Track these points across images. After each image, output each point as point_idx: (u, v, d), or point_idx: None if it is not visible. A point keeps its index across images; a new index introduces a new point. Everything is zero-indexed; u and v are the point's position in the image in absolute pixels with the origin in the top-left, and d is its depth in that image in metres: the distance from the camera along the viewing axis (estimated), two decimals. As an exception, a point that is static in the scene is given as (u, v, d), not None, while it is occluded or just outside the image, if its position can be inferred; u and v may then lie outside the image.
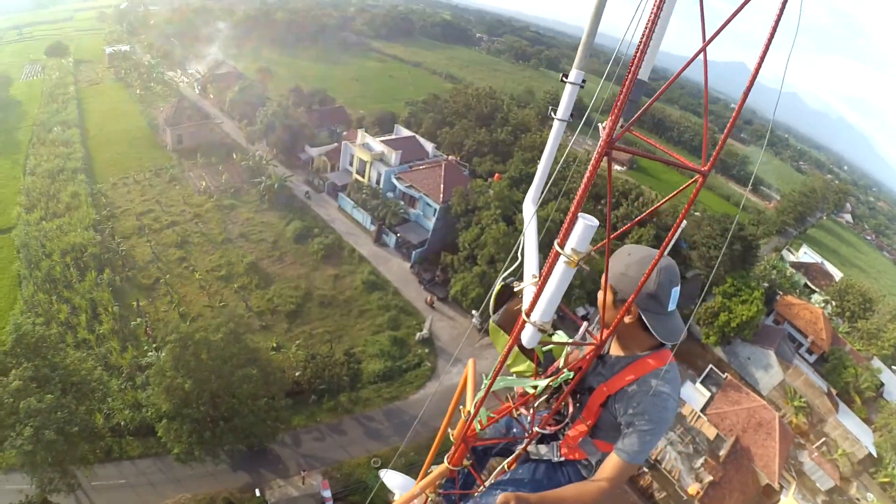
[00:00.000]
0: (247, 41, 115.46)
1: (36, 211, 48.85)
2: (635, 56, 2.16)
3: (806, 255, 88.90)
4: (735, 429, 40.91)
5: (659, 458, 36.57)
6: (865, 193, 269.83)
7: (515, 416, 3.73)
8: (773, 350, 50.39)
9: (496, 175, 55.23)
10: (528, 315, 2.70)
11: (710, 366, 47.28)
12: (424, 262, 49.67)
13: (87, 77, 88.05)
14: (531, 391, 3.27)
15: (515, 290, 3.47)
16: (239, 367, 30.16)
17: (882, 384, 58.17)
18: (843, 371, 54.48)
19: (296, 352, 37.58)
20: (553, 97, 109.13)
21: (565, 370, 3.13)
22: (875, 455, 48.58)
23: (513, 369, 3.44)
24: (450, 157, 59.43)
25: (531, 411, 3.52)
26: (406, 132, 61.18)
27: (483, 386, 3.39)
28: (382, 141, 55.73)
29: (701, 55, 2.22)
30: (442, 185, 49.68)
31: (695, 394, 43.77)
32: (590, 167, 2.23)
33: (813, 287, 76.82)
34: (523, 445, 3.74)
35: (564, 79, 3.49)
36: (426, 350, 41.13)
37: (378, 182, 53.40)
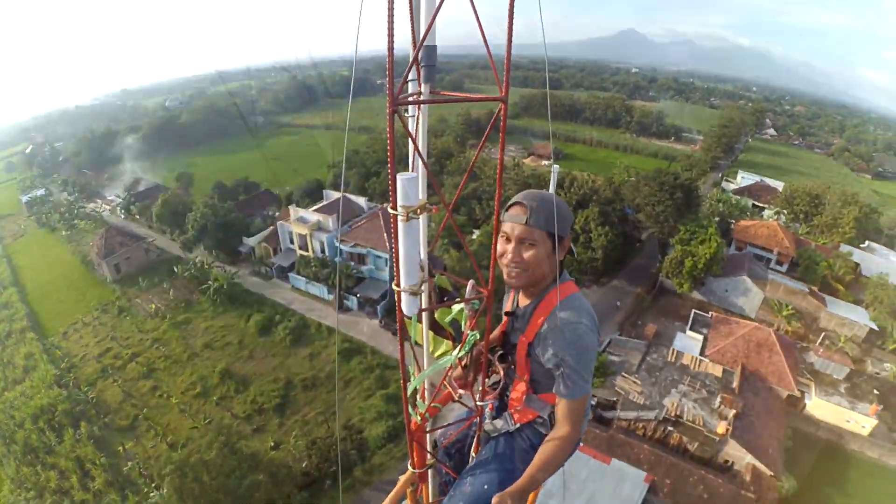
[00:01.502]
0: (158, 152, 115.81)
1: (-6, 384, 46.88)
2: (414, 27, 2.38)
3: (744, 178, 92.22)
4: (738, 358, 41.38)
5: (678, 413, 36.54)
6: (780, 105, 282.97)
7: (457, 399, 3.52)
8: (745, 274, 51.56)
9: (433, 207, 55.67)
10: (398, 284, 2.80)
11: (693, 311, 47.94)
12: (391, 313, 49.17)
13: (9, 232, 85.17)
14: (452, 364, 3.21)
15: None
16: (243, 478, 29.18)
17: (857, 264, 60.12)
18: (816, 267, 56.03)
19: (295, 443, 36.36)
20: (465, 118, 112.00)
21: (469, 332, 3.07)
22: (876, 328, 50.02)
23: (436, 355, 3.37)
24: (384, 205, 59.78)
25: (474, 390, 3.44)
26: (335, 194, 61.33)
27: (413, 381, 3.33)
28: (315, 210, 55.74)
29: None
30: (385, 234, 49.74)
31: (689, 342, 44.25)
32: (388, 128, 2.38)
33: (761, 204, 79.63)
34: (476, 426, 3.61)
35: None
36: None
37: (323, 251, 53.15)
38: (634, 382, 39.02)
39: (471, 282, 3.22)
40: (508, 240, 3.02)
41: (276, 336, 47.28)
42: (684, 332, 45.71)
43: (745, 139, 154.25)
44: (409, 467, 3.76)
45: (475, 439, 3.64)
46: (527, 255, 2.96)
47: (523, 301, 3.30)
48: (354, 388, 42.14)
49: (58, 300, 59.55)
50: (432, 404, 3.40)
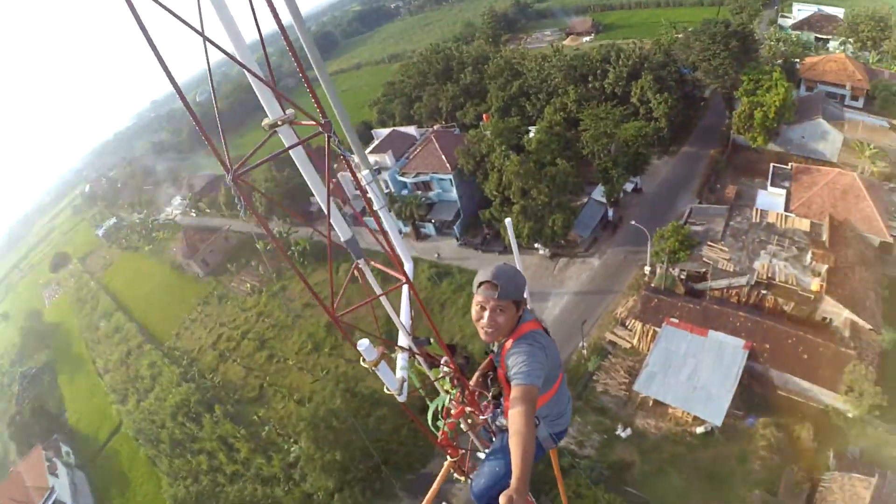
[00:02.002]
0: (205, 145, 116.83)
1: (129, 398, 52.10)
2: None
3: (801, 10, 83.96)
4: (825, 209, 39.87)
5: (770, 275, 36.33)
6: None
7: (469, 412, 5.25)
8: (821, 116, 48.93)
9: (484, 116, 55.17)
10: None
11: (772, 164, 46.17)
12: (468, 229, 50.60)
13: (98, 265, 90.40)
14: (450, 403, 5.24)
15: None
16: (368, 416, 31.92)
17: None
18: (894, 98, 52.21)
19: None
20: (491, 16, 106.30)
21: (450, 392, 5.18)
22: None
23: (431, 349, 5.42)
24: (435, 127, 59.68)
25: (476, 406, 5.01)
26: (385, 131, 61.50)
27: (429, 413, 5.63)
28: (369, 152, 56.43)
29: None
30: (442, 155, 50.17)
31: (771, 198, 43.01)
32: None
33: (824, 36, 73.08)
34: (488, 427, 5.34)
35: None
36: (516, 301, 42.43)
37: (388, 188, 54.40)
38: (721, 250, 38.88)
39: (443, 360, 5.15)
40: (483, 308, 3.86)
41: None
42: (765, 188, 44.24)
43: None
44: (448, 458, 5.88)
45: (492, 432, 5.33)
46: (500, 319, 3.84)
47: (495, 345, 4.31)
48: (450, 307, 44.44)
49: (161, 308, 64.45)
50: (449, 421, 5.27)
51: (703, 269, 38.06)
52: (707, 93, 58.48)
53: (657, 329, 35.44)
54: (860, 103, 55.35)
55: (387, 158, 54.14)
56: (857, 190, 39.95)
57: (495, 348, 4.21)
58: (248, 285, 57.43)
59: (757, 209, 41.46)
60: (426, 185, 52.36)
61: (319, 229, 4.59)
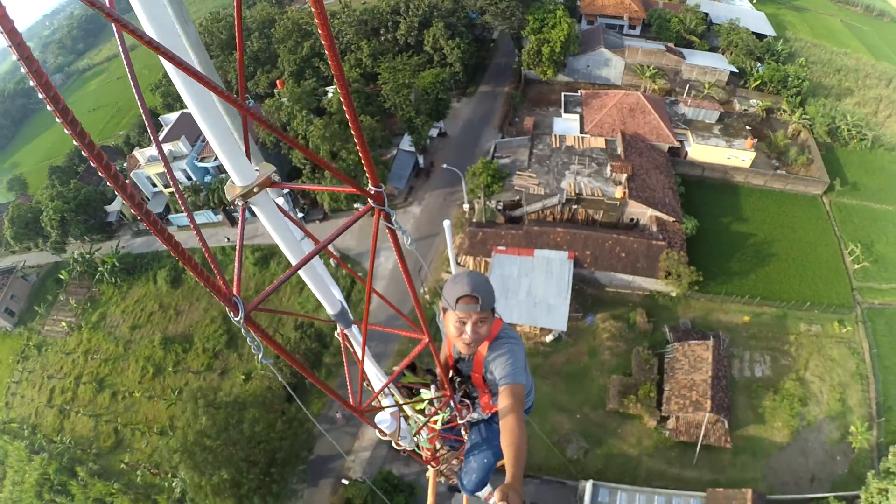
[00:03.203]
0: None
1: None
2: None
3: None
4: (616, 126, 43.69)
5: (577, 191, 38.68)
6: None
7: (438, 430, 5.38)
8: (603, 46, 52.74)
9: (278, 83, 51.47)
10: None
11: (563, 94, 49.30)
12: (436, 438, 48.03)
13: None
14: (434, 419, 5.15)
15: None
16: (240, 423, 30.42)
17: (706, 14, 62.89)
18: (667, 25, 58.09)
19: (262, 366, 37.02)
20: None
21: (441, 415, 5.07)
22: (736, 70, 53.69)
23: (406, 381, 5.04)
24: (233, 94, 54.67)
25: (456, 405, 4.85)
26: (173, 116, 54.98)
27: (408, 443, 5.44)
28: (161, 142, 50.06)
29: None
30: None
31: (567, 124, 45.98)
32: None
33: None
34: (462, 425, 5.19)
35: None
36: (349, 265, 40.86)
37: (189, 178, 49.21)
38: (530, 176, 40.64)
39: (433, 388, 4.87)
40: (464, 322, 3.80)
41: (189, 281, 45.41)
42: (560, 115, 47.28)
43: None
44: (430, 467, 6.17)
45: (462, 429, 5.44)
46: (482, 329, 3.86)
47: (464, 351, 4.18)
48: (283, 288, 41.56)
49: None
50: (430, 436, 5.47)
51: (517, 197, 39.85)
52: (496, 34, 60.53)
53: (488, 259, 37.20)
54: (637, 31, 60.97)
55: (181, 145, 48.87)
56: (643, 106, 44.45)
57: (466, 358, 4.29)
58: (64, 324, 49.47)
59: (555, 135, 44.06)
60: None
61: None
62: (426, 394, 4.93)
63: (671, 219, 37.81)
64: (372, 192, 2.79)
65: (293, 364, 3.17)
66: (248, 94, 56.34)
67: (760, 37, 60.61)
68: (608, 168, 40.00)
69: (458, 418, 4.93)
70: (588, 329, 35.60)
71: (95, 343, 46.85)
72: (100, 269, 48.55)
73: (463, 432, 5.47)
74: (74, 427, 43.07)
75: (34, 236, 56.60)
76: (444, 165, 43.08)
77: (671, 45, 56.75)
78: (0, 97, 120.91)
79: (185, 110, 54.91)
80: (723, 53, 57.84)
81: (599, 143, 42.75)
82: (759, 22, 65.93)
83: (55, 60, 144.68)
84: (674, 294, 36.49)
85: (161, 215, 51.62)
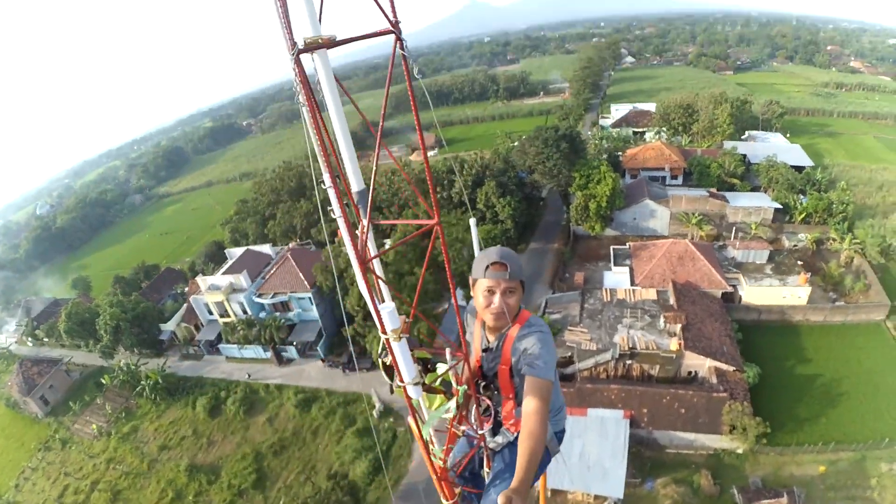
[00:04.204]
0: (44, 264, 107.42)
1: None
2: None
3: (617, 110, 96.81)
4: (667, 276, 43.54)
5: (631, 346, 37.86)
6: (630, 32, 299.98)
7: (461, 434, 4.54)
8: (647, 198, 54.24)
9: (339, 232, 54.54)
10: (400, 381, 3.89)
11: (611, 247, 49.95)
12: (333, 349, 48.22)
13: None
14: (451, 414, 4.27)
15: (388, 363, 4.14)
16: None
17: (744, 156, 65.03)
18: (707, 171, 59.93)
19: None
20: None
21: (458, 387, 4.18)
22: (780, 206, 54.37)
23: (432, 408, 4.36)
24: (290, 245, 57.99)
25: (471, 422, 4.45)
26: (238, 251, 58.76)
27: (423, 429, 4.37)
28: (223, 273, 53.12)
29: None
30: (300, 273, 48.33)
31: (618, 277, 45.98)
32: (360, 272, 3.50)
33: (640, 129, 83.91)
34: (484, 448, 4.49)
35: (321, 183, 4.12)
36: (391, 419, 40.07)
37: (245, 311, 50.90)
38: (582, 332, 40.09)
39: (447, 350, 4.31)
40: (492, 292, 3.78)
41: (227, 412, 45.02)
42: (610, 269, 47.55)
43: (608, 74, 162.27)
44: (443, 501, 4.78)
45: (485, 458, 4.53)
46: (511, 300, 3.79)
47: (491, 338, 4.10)
48: (323, 434, 41.05)
49: None
50: (447, 446, 4.53)
51: (569, 353, 38.84)
52: (545, 192, 63.56)
53: (539, 420, 35.07)
54: (679, 181, 63.00)
55: (242, 279, 50.97)
56: (692, 254, 44.50)
57: (493, 344, 4.05)
58: (95, 426, 49.48)
59: (606, 289, 43.92)
60: (285, 306, 49.69)
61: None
62: (441, 367, 4.36)
63: (731, 368, 35.96)
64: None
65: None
66: (311, 240, 59.82)
67: (799, 169, 61.70)
68: (661, 319, 39.18)
69: (477, 429, 4.38)
70: (648, 496, 32.36)
71: (121, 454, 46.09)
72: (142, 382, 49.30)
73: (485, 467, 4.66)
74: (74, 528, 41.16)
75: (86, 336, 59.06)
76: (492, 319, 43.13)
77: (713, 190, 58.07)
78: (82, 203, 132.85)
79: (250, 247, 58.53)
80: (765, 191, 58.77)
81: (651, 294, 42.40)
82: (795, 154, 67.80)
83: (137, 181, 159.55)
84: (740, 451, 33.54)
85: (212, 343, 53.16)
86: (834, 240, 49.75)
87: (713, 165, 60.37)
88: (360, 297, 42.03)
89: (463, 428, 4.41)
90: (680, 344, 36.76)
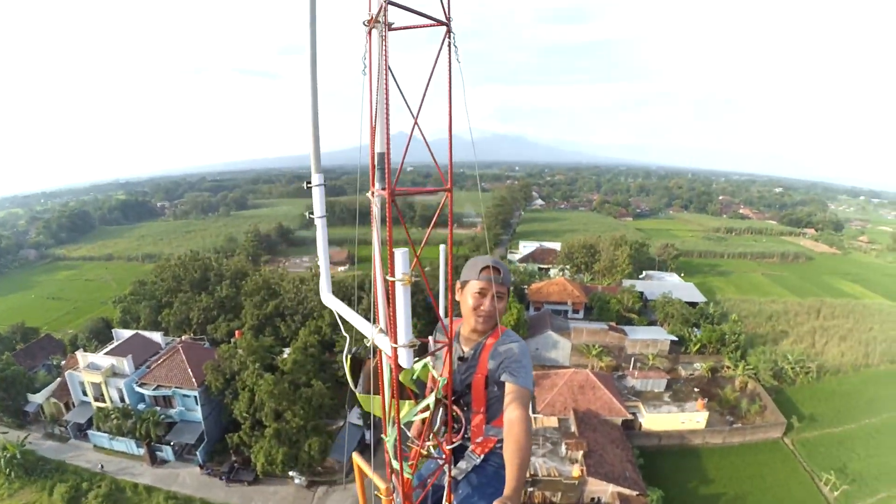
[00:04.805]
0: None
1: None
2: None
3: (525, 247, 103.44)
4: (568, 404, 44.82)
5: (532, 473, 37.71)
6: (541, 177, 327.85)
7: (425, 453, 3.89)
8: (550, 329, 56.71)
9: (237, 332, 52.76)
10: (395, 342, 3.20)
11: (511, 376, 51.16)
12: (213, 456, 44.26)
13: None
14: (424, 416, 3.80)
15: (368, 344, 3.69)
16: None
17: (641, 293, 70.52)
18: (608, 306, 64.33)
19: None
20: (255, 235, 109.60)
21: (439, 378, 3.69)
22: (676, 338, 58.86)
23: (407, 419, 3.86)
24: (183, 338, 54.59)
25: (440, 438, 3.93)
26: (127, 333, 54.30)
27: (389, 440, 3.82)
28: (107, 353, 48.58)
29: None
30: (189, 369, 45.15)
31: (519, 405, 46.75)
32: (387, 211, 3.38)
33: (545, 266, 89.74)
34: (447, 472, 3.84)
35: (309, 185, 3.96)
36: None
37: (123, 399, 46.23)
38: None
39: (430, 339, 4.04)
40: (483, 294, 3.83)
41: None
42: (506, 399, 48.25)
43: (519, 213, 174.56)
44: None
45: (447, 489, 3.84)
46: (500, 305, 3.84)
47: (467, 347, 4.02)
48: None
49: None
50: (410, 463, 3.82)
51: (468, 478, 37.84)
52: (445, 315, 65.15)
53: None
54: (581, 314, 66.95)
55: (125, 364, 46.75)
56: (592, 383, 46.38)
57: (467, 353, 3.92)
58: None
59: (507, 415, 44.17)
60: (167, 401, 45.75)
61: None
62: (419, 364, 3.86)
63: (634, 493, 36.52)
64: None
65: None
66: (207, 336, 57.02)
67: (693, 304, 67.16)
68: (563, 446, 39.67)
69: (445, 444, 3.82)
70: None
71: None
72: (11, 452, 42.95)
73: (445, 499, 3.89)
74: None
75: None
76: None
77: (613, 323, 62.05)
78: None
79: (140, 331, 54.52)
80: (661, 325, 63.32)
81: (552, 422, 43.16)
82: (689, 291, 74.03)
83: (36, 236, 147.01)
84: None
85: (81, 426, 47.70)
86: (728, 367, 54.19)
87: (613, 301, 65.05)
88: (251, 402, 39.94)
89: (429, 444, 3.93)
90: (582, 470, 37.23)
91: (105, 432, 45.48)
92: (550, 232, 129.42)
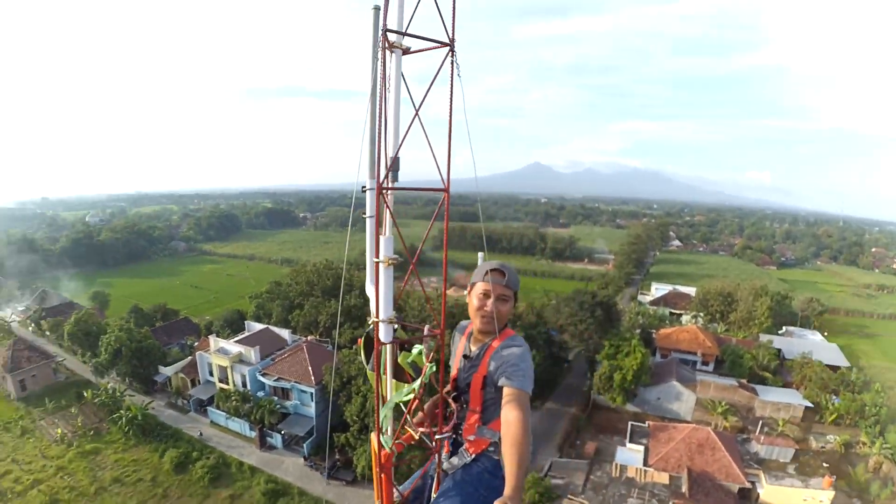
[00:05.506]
0: (74, 267, 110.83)
1: None
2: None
3: (658, 289, 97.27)
4: (682, 462, 40.86)
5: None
6: (680, 217, 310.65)
7: (417, 437, 4.19)
8: (675, 379, 52.48)
9: (358, 340, 54.35)
10: (376, 317, 3.66)
11: (630, 423, 47.64)
12: (318, 451, 45.76)
13: None
14: (414, 394, 3.92)
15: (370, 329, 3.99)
16: None
17: (779, 350, 63.47)
18: (740, 361, 58.32)
19: None
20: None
21: (427, 364, 3.86)
22: (811, 405, 52.22)
23: (396, 400, 4.06)
24: (309, 338, 57.64)
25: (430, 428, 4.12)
26: (258, 326, 58.74)
27: (382, 409, 4.07)
28: (237, 341, 52.77)
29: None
30: (310, 368, 47.38)
31: (630, 454, 43.39)
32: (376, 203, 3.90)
33: (677, 311, 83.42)
34: (433, 473, 4.22)
35: (364, 189, 4.35)
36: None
37: (244, 384, 49.68)
38: (582, 503, 37.18)
39: (426, 326, 4.10)
40: (487, 295, 3.91)
41: (193, 474, 42.33)
42: (624, 445, 44.93)
43: (653, 253, 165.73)
44: (376, 501, 4.37)
45: (434, 481, 4.18)
46: (503, 307, 3.91)
47: (475, 347, 4.10)
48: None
49: None
50: (397, 441, 4.11)
51: (564, 522, 35.67)
52: (571, 355, 62.53)
53: None
54: (710, 367, 61.14)
55: (252, 353, 50.41)
56: (713, 442, 41.82)
57: (473, 352, 4.06)
58: (60, 431, 47.48)
59: (616, 464, 41.18)
60: (285, 393, 48.32)
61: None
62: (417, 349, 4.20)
63: None
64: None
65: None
66: (331, 340, 59.81)
67: (834, 368, 59.37)
68: None
69: (436, 433, 4.05)
70: None
71: (74, 468, 43.61)
72: (122, 412, 48.00)
73: (433, 490, 4.19)
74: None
75: (86, 347, 60.17)
76: (490, 472, 40.51)
77: (744, 381, 55.87)
78: (130, 229, 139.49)
79: (270, 326, 58.59)
80: (796, 388, 56.25)
81: (663, 478, 39.29)
82: (832, 353, 65.59)
83: (187, 230, 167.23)
84: None
85: (202, 402, 51.91)
86: (864, 444, 46.93)
87: (747, 356, 58.78)
88: (361, 409, 40.78)
89: (421, 430, 4.19)
90: (686, 537, 33.58)
91: (223, 411, 49.01)
92: (686, 275, 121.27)
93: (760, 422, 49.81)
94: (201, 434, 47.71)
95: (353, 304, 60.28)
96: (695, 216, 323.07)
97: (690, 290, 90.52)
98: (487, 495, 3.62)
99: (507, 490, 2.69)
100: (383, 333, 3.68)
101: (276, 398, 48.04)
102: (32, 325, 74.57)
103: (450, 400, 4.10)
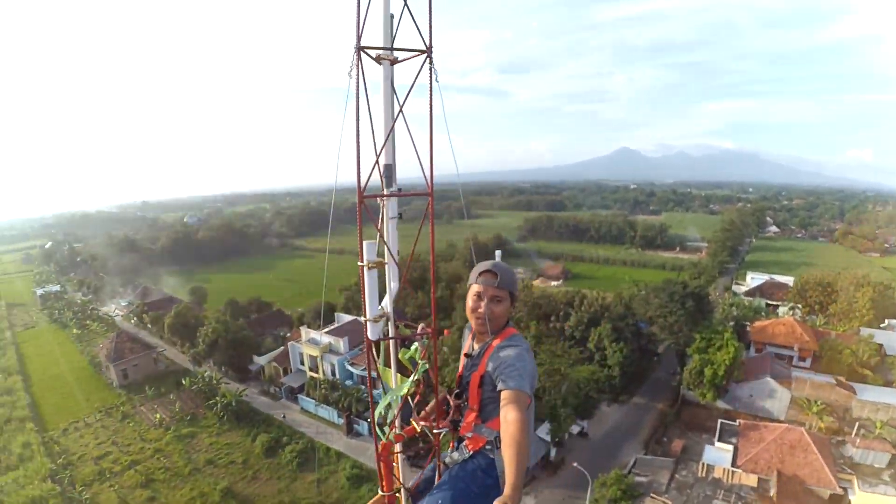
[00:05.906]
0: (174, 264, 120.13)
1: (-11, 464, 45.48)
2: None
3: (754, 279, 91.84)
4: (773, 464, 39.09)
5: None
6: (777, 201, 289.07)
7: (419, 431, 4.57)
8: (768, 375, 49.93)
9: (445, 331, 55.65)
10: (364, 317, 4.05)
11: (720, 420, 45.78)
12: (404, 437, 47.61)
13: (21, 321, 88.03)
14: (411, 389, 4.44)
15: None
16: None
17: (881, 346, 58.21)
18: (839, 357, 54.50)
19: None
20: (473, 242, 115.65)
21: (420, 362, 4.29)
22: None
23: (399, 393, 4.50)
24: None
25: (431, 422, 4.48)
26: (347, 317, 61.47)
27: (379, 404, 4.54)
28: (327, 332, 55.53)
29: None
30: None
31: (718, 453, 41.80)
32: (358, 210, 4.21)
33: (774, 302, 78.47)
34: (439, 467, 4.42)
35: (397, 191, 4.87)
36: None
37: (333, 373, 52.38)
38: (665, 502, 36.44)
39: (421, 325, 4.55)
40: (480, 297, 3.93)
41: (282, 458, 45.46)
42: (713, 443, 43.29)
43: (749, 240, 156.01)
44: (379, 490, 4.79)
45: (436, 474, 4.46)
46: (497, 308, 3.92)
47: (476, 346, 4.17)
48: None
49: (62, 396, 59.43)
50: (397, 433, 4.54)
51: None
52: (661, 348, 60.52)
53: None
54: (807, 363, 57.32)
55: (341, 344, 53.07)
56: (806, 445, 39.62)
57: (475, 351, 4.12)
58: (158, 416, 52.36)
59: (703, 463, 39.93)
60: (373, 382, 50.43)
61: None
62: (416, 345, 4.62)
63: None
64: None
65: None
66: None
67: None
68: None
69: (436, 426, 4.38)
70: None
71: (171, 450, 47.82)
72: (217, 398, 51.79)
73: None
74: (100, 493, 42.48)
75: (185, 338, 64.93)
76: (575, 464, 39.90)
77: (842, 378, 51.75)
78: (226, 228, 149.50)
79: (359, 317, 61.15)
80: None
81: (751, 480, 37.85)
82: None
83: (280, 227, 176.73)
84: None
85: (293, 390, 55.01)
86: None
87: (846, 352, 54.45)
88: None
89: (423, 424, 4.46)
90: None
91: (313, 399, 51.92)
92: (783, 263, 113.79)
93: (857, 423, 46.26)
94: (284, 416, 51.10)
95: (440, 295, 61.75)
96: (793, 200, 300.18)
97: (788, 280, 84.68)
98: (479, 492, 3.71)
99: (507, 490, 2.73)
100: (370, 331, 4.07)
101: (363, 387, 50.24)
102: (135, 318, 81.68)
103: (450, 397, 4.28)
